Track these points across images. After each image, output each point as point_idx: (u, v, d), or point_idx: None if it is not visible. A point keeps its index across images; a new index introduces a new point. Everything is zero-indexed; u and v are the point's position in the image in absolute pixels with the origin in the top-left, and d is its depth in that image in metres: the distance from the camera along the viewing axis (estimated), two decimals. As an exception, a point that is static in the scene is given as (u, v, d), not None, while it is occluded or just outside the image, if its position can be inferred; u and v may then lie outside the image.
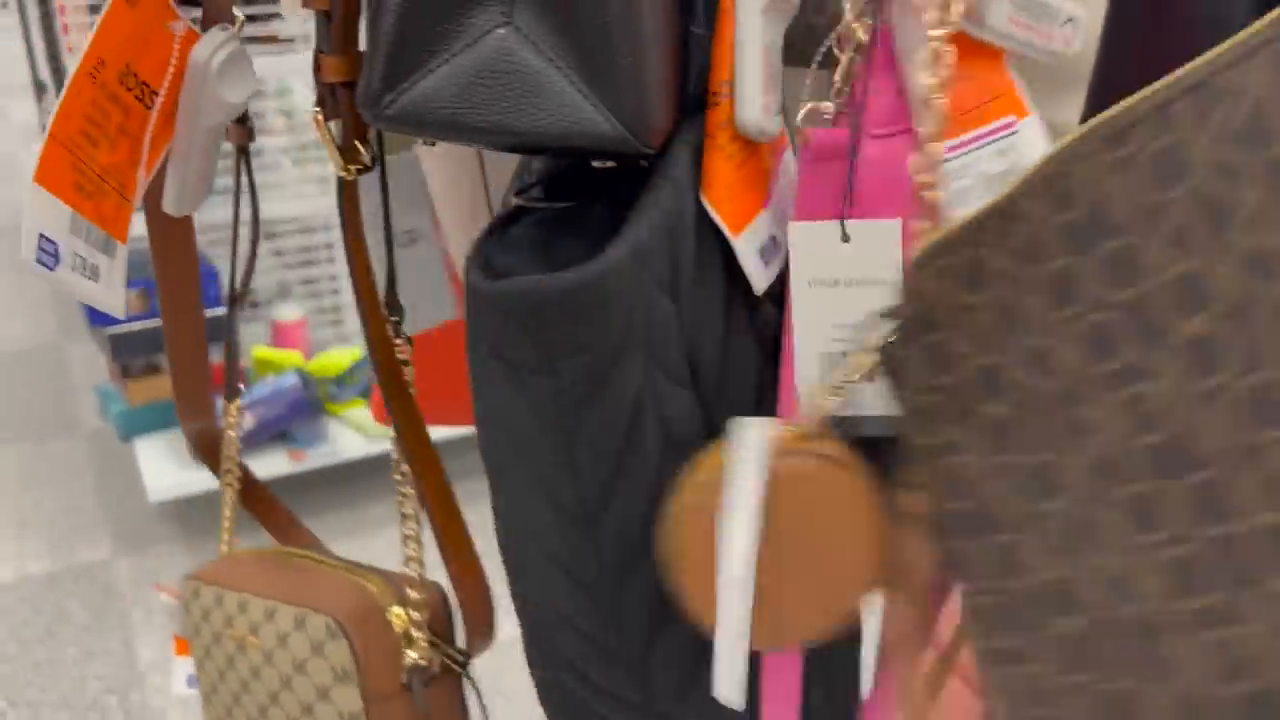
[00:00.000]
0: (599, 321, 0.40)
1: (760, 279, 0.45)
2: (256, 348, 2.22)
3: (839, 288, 0.43)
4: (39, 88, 3.47)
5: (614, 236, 0.41)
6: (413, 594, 0.56)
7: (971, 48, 0.41)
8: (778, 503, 0.41)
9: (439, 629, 0.58)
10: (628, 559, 0.45)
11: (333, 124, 0.45)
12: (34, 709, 1.66)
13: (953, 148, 0.42)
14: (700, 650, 0.48)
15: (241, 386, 0.66)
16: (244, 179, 0.60)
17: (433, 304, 0.80)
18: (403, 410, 0.52)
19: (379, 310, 0.50)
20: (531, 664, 0.54)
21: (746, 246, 0.44)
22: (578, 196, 0.46)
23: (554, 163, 0.49)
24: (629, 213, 0.42)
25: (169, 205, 0.51)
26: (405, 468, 0.54)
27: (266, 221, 2.33)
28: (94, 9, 2.07)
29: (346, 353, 2.22)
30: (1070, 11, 0.44)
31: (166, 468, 2.05)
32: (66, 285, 0.46)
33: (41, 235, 0.44)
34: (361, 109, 0.40)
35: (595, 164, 0.46)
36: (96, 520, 2.15)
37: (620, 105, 0.39)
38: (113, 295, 0.48)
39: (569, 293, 0.39)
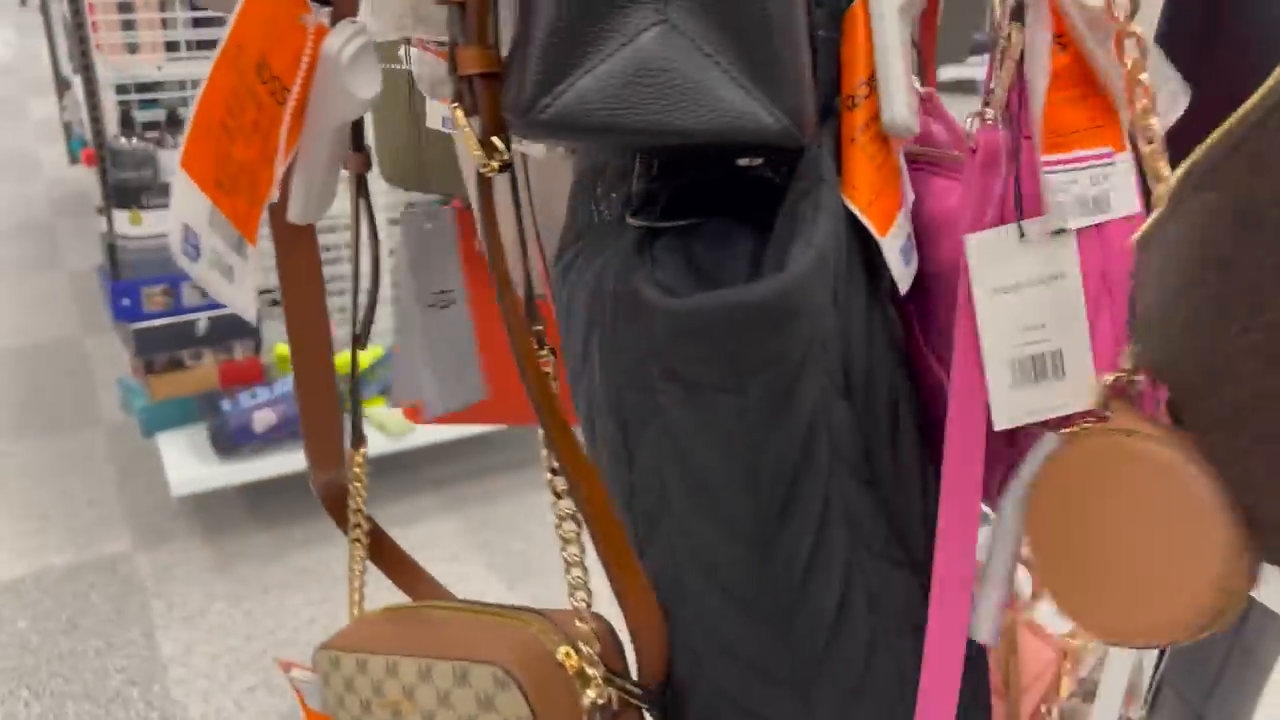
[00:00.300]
0: (790, 331, 0.39)
1: (904, 279, 0.45)
2: (278, 345, 2.21)
3: (1022, 290, 0.42)
4: (61, 85, 3.46)
5: (758, 248, 0.40)
6: (582, 627, 0.51)
7: (1089, 72, 0.42)
8: (1099, 484, 0.39)
9: (612, 663, 0.52)
10: (799, 577, 0.44)
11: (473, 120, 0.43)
12: (57, 700, 1.66)
13: (1056, 162, 0.42)
14: (863, 666, 0.47)
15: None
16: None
17: (460, 382, 0.68)
18: (555, 426, 0.46)
19: (523, 321, 0.45)
20: (673, 701, 0.52)
21: (892, 246, 0.43)
22: (697, 213, 0.45)
23: (646, 183, 0.48)
24: (775, 221, 0.41)
25: (294, 213, 0.50)
26: (561, 486, 0.49)
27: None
28: (124, 7, 2.06)
29: (367, 351, 2.22)
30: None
31: (188, 462, 2.05)
32: (206, 282, 0.45)
33: (185, 225, 0.44)
34: (511, 115, 0.39)
35: (741, 162, 0.46)
36: (117, 514, 2.15)
37: (780, 98, 0.38)
38: (245, 297, 0.46)
39: (765, 304, 0.38)
